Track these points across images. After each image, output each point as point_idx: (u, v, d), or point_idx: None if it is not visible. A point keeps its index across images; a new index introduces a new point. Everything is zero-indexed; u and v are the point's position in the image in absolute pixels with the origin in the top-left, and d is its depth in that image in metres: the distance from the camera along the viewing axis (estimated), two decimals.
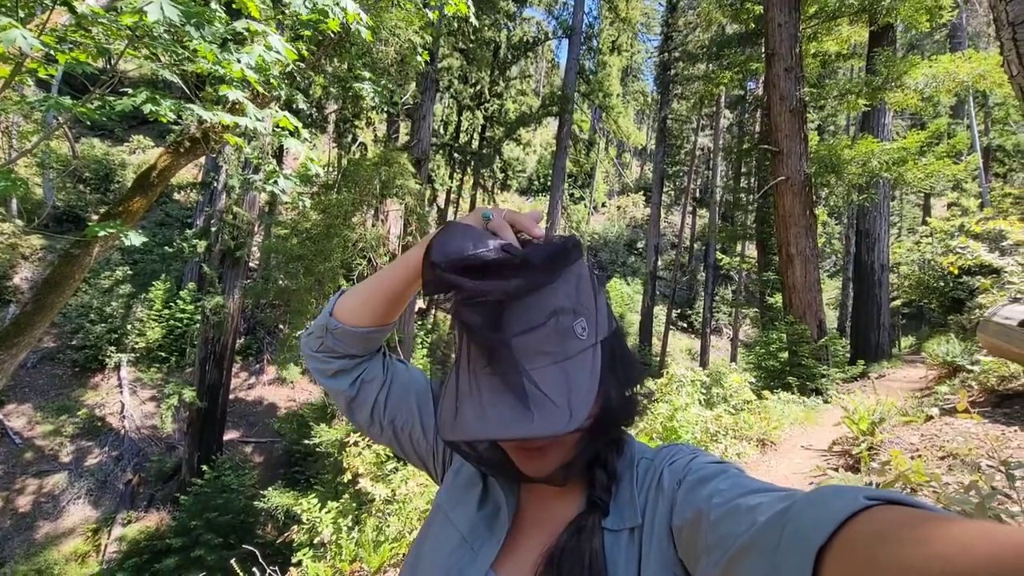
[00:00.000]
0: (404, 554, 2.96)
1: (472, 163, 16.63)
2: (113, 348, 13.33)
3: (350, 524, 3.16)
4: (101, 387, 13.09)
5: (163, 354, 13.90)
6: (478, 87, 15.87)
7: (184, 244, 12.68)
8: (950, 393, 5.10)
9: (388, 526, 3.20)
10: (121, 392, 12.99)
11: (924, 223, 14.98)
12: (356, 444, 3.68)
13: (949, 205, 16.43)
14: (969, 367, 5.42)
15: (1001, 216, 8.36)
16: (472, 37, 14.05)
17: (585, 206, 29.48)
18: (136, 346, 13.69)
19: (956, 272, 7.52)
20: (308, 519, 3.15)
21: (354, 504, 3.44)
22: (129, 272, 14.42)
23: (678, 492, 0.54)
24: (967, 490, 1.43)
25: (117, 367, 13.36)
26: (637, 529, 0.55)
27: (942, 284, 10.81)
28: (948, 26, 14.45)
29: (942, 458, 3.35)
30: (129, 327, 13.70)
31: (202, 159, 12.67)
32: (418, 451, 0.75)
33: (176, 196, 18.10)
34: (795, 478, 3.85)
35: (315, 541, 3.04)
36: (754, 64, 11.35)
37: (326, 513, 3.19)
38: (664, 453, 0.61)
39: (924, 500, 0.37)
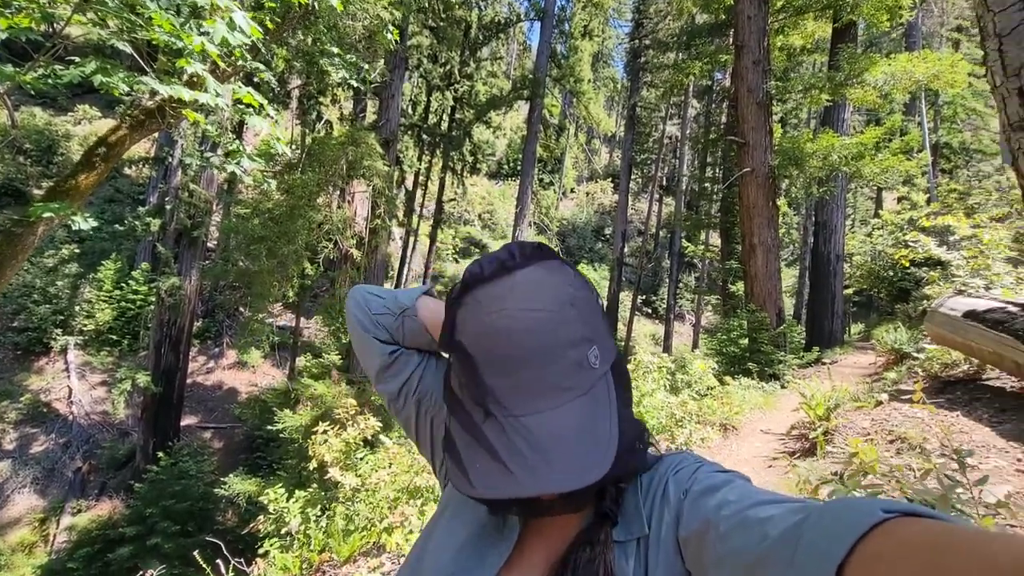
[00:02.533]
0: (374, 543, 2.94)
1: (441, 145, 16.35)
2: (59, 330, 12.65)
3: (318, 513, 3.11)
4: (46, 371, 12.42)
5: (114, 337, 13.28)
6: (448, 67, 15.53)
7: (136, 222, 12.07)
8: (898, 379, 5.40)
9: (357, 515, 3.16)
10: (68, 376, 12.37)
11: (876, 215, 15.66)
12: (325, 432, 3.61)
13: (899, 199, 17.21)
14: (915, 354, 5.73)
15: (947, 211, 8.82)
16: (443, 15, 13.71)
17: (555, 191, 29.53)
18: (85, 328, 13.02)
19: (907, 264, 7.91)
20: (275, 509, 3.09)
21: (322, 493, 3.39)
22: (76, 251, 13.64)
23: (684, 502, 0.53)
24: (922, 478, 1.52)
25: (64, 350, 12.70)
26: (643, 540, 0.54)
27: (891, 274, 11.38)
28: (904, 25, 14.98)
29: (891, 442, 3.55)
30: (77, 308, 13.00)
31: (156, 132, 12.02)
32: (434, 437, 0.73)
33: (127, 171, 17.14)
34: (756, 461, 4.01)
35: (282, 531, 2.98)
36: (723, 56, 11.49)
37: (293, 503, 3.13)
38: (668, 462, 0.60)
39: (942, 512, 0.37)
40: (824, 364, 8.37)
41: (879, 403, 4.39)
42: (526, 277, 0.54)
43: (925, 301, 6.43)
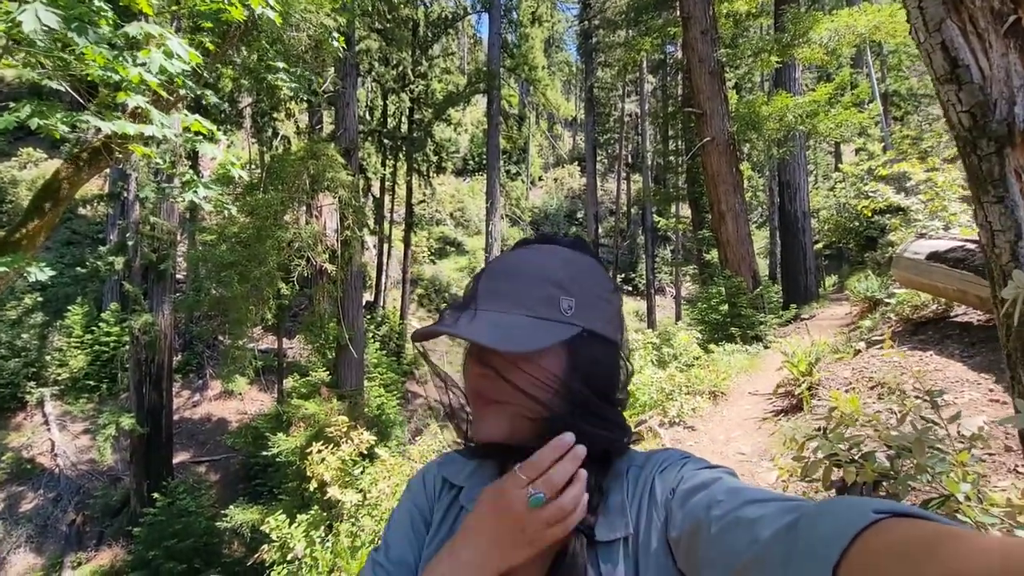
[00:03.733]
0: None
1: (404, 148, 16.18)
2: (32, 383, 12.25)
3: (322, 535, 3.09)
4: (24, 426, 12.03)
5: (91, 383, 12.90)
6: (400, 68, 15.34)
7: (99, 262, 11.71)
8: (872, 327, 5.56)
9: (362, 530, 3.15)
10: (49, 429, 12.00)
11: (837, 169, 16.02)
12: (320, 452, 3.58)
13: (857, 151, 17.64)
14: (887, 300, 5.91)
15: (903, 158, 9.08)
16: (388, 16, 13.50)
17: (522, 182, 29.50)
18: (59, 378, 12.63)
19: (869, 214, 8.13)
20: (278, 536, 3.05)
21: (324, 514, 3.36)
22: (39, 299, 13.19)
23: (672, 502, 0.53)
24: (900, 422, 1.58)
25: (40, 403, 12.31)
26: (632, 540, 0.54)
27: (857, 225, 11.68)
28: None
29: (872, 388, 3.67)
30: (48, 358, 12.60)
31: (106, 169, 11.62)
32: None
33: (82, 211, 16.58)
34: (747, 424, 4.10)
35: (289, 557, 2.95)
36: (672, 28, 11.57)
37: (296, 527, 3.10)
38: (653, 460, 0.60)
39: (932, 513, 0.37)
40: (803, 320, 8.58)
41: (857, 352, 4.53)
42: (556, 247, 0.64)
43: (891, 247, 6.63)
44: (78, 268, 13.59)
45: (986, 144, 0.92)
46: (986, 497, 1.21)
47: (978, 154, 0.95)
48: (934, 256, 4.13)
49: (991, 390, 2.93)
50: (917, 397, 2.07)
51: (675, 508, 0.52)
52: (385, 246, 18.54)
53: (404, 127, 16.56)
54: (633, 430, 0.65)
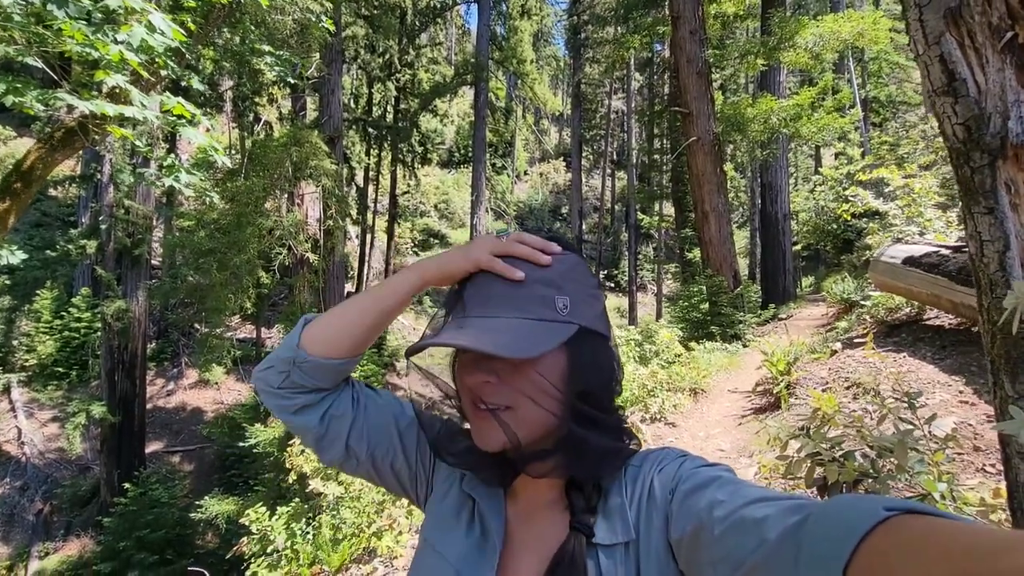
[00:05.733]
0: (365, 549, 2.92)
1: (389, 138, 15.98)
2: None
3: (303, 527, 3.06)
4: None
5: (60, 369, 12.53)
6: (387, 56, 15.12)
7: (70, 246, 11.33)
8: (849, 328, 5.71)
9: (344, 522, 3.13)
10: (15, 416, 11.64)
11: (817, 172, 16.35)
12: (300, 443, 3.53)
13: (837, 155, 18.00)
14: (862, 302, 6.06)
15: (881, 163, 9.30)
16: (375, 3, 13.29)
17: (508, 175, 29.41)
18: (26, 364, 12.24)
19: (848, 218, 8.31)
20: (258, 529, 3.01)
21: (304, 505, 3.33)
22: (6, 282, 12.74)
23: (672, 503, 0.52)
24: (879, 422, 1.63)
25: (6, 389, 11.92)
26: (632, 543, 0.54)
27: (835, 227, 11.93)
28: None
29: (848, 388, 3.76)
30: (15, 343, 12.20)
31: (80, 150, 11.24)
32: (400, 479, 0.72)
33: (52, 192, 16.01)
34: (726, 421, 4.18)
35: (268, 550, 2.92)
36: (661, 27, 11.62)
37: (277, 520, 3.07)
38: (651, 459, 0.60)
39: (944, 510, 0.37)
40: (781, 320, 8.75)
41: (834, 352, 4.64)
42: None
43: (867, 251, 6.79)
44: (48, 251, 13.14)
45: (979, 156, 0.95)
46: (960, 496, 1.26)
47: (971, 166, 0.98)
48: (910, 260, 4.24)
49: (961, 392, 3.03)
50: (893, 398, 2.14)
51: (675, 509, 0.51)
52: (368, 236, 18.32)
53: (390, 116, 16.35)
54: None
